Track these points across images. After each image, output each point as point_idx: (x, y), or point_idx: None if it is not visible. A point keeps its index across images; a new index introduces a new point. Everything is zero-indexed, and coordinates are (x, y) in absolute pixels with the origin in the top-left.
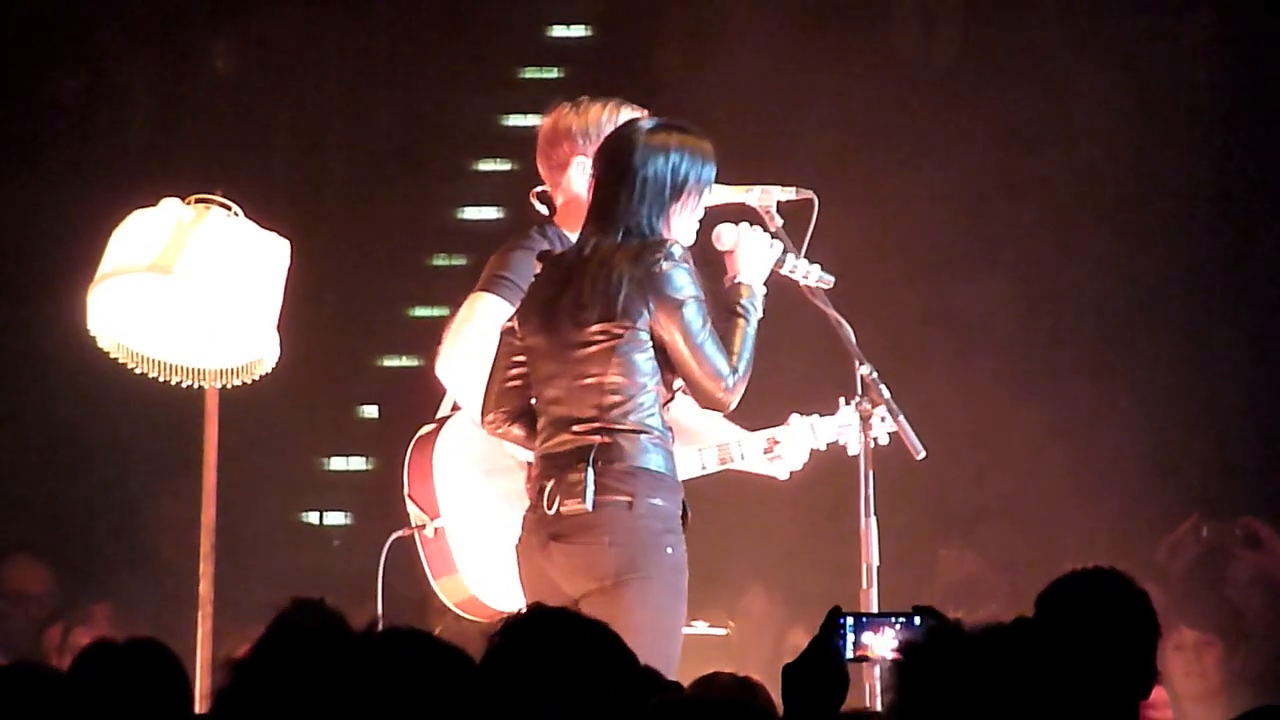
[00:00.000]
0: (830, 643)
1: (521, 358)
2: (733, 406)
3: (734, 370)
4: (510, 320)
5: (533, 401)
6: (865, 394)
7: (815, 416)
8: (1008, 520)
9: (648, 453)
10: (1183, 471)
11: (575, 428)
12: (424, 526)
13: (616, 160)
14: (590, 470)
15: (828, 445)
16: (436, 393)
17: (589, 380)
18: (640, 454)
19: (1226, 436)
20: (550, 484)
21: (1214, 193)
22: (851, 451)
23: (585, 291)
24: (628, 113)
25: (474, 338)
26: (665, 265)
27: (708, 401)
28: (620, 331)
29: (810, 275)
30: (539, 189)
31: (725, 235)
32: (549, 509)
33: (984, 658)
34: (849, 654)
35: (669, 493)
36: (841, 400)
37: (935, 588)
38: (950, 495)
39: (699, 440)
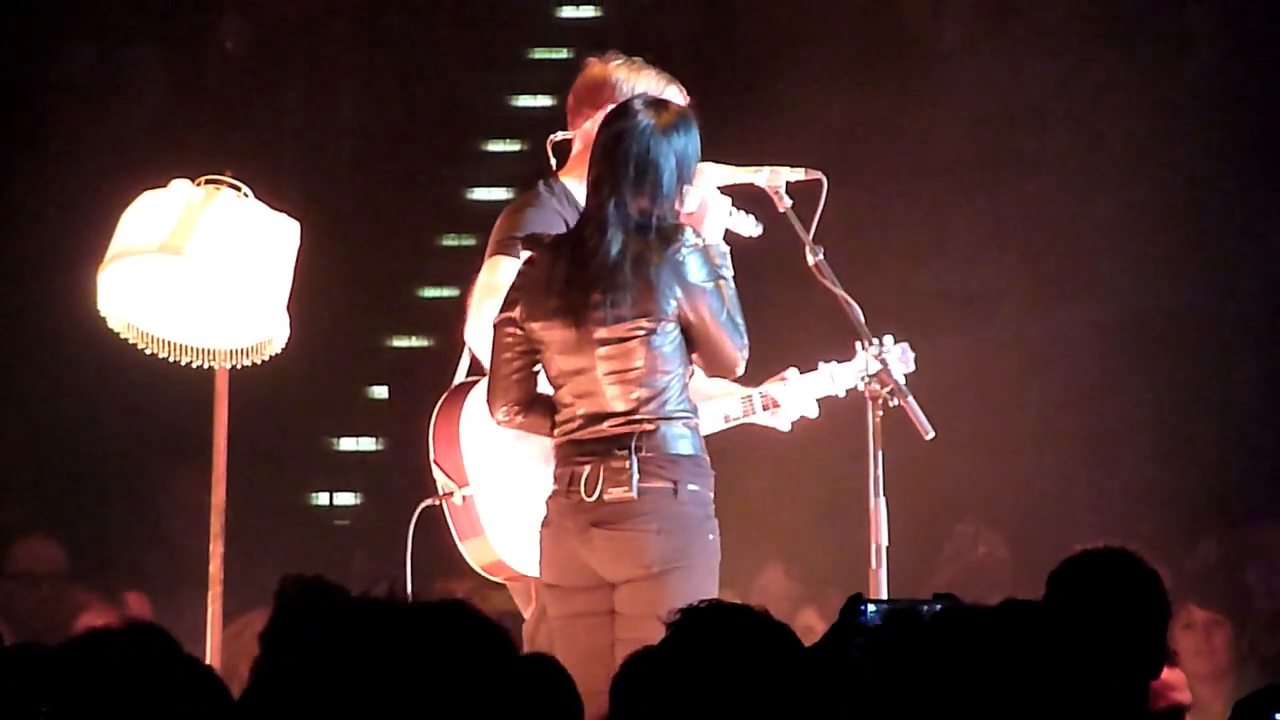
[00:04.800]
0: (849, 631)
1: (524, 348)
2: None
3: (744, 337)
4: (506, 311)
5: (549, 390)
6: (874, 375)
7: (834, 364)
8: (1017, 500)
9: (685, 438)
10: (1193, 448)
11: (610, 421)
12: (452, 494)
13: (637, 155)
14: (634, 457)
15: (847, 392)
16: (448, 372)
17: (624, 374)
18: (678, 440)
19: (1237, 412)
20: (588, 470)
21: (1223, 168)
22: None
23: (619, 288)
24: (674, 92)
25: (498, 301)
26: (686, 253)
27: (725, 372)
28: (653, 325)
29: (745, 226)
30: (559, 135)
31: (689, 198)
32: (588, 495)
33: (948, 639)
34: None
35: (706, 477)
36: (859, 345)
37: (952, 566)
38: (960, 475)
39: (714, 397)
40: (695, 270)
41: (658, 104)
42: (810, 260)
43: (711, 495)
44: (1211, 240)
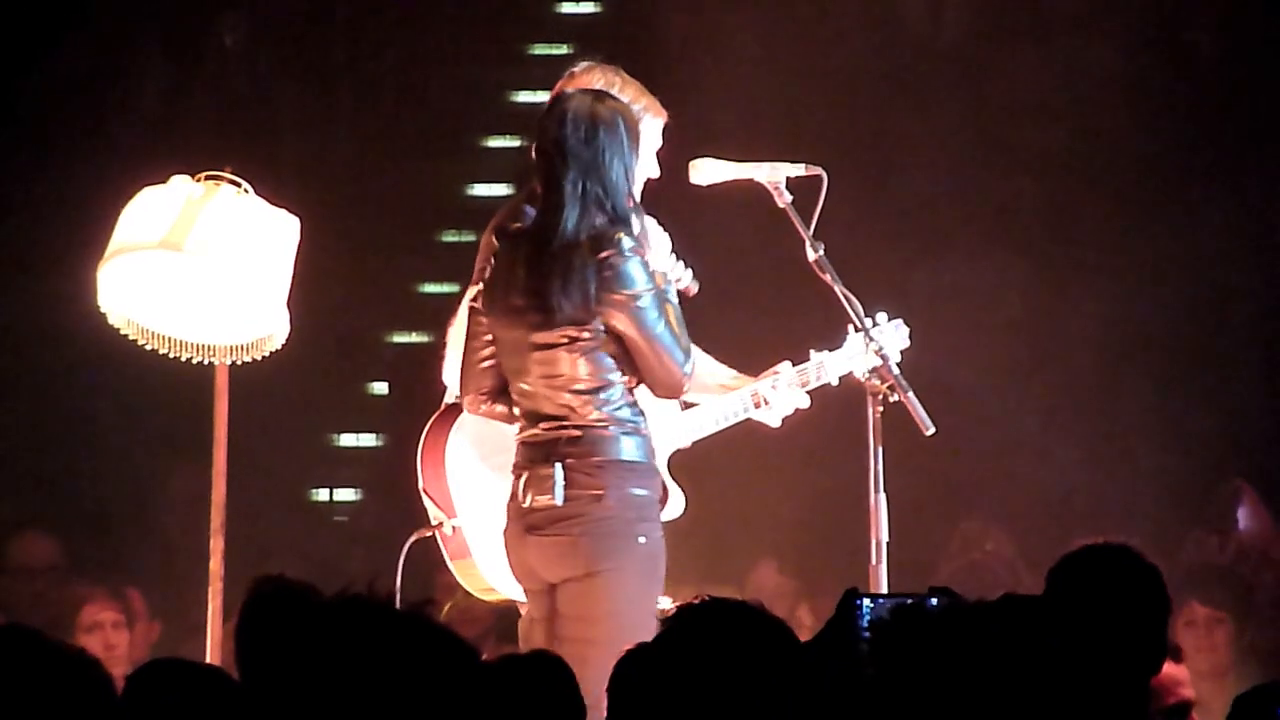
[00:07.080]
0: (846, 625)
1: (490, 335)
2: (688, 391)
3: (687, 355)
4: (476, 299)
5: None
6: (874, 371)
7: (825, 353)
8: (1018, 496)
9: (619, 443)
10: (1194, 444)
11: (544, 424)
12: (441, 525)
13: (588, 136)
14: (559, 466)
15: (840, 379)
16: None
17: (555, 379)
18: (611, 446)
19: (1238, 408)
20: (525, 476)
21: (1224, 166)
22: (860, 376)
23: (549, 292)
24: (649, 120)
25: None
26: (616, 261)
27: (666, 391)
28: (582, 332)
29: (683, 278)
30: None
31: (633, 220)
32: (523, 502)
33: (952, 634)
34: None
35: (643, 480)
36: (850, 328)
37: (955, 563)
38: (960, 470)
39: (712, 389)
40: (624, 280)
41: (599, 94)
42: (810, 256)
43: (648, 498)
44: (1212, 235)
